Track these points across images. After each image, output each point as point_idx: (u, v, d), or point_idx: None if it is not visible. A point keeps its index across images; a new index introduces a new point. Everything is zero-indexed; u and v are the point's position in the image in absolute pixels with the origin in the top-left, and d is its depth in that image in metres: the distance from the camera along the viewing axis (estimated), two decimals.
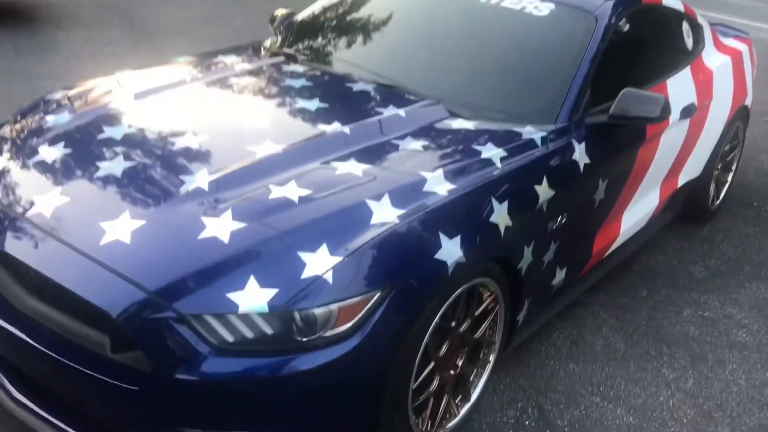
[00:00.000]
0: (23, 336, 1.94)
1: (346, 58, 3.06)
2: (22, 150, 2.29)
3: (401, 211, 2.03)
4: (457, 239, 2.06)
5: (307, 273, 1.82)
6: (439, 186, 2.17)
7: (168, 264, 1.83)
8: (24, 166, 2.21)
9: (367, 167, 2.20)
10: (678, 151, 3.51)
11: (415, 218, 2.03)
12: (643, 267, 3.67)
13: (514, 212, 2.28)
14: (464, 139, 2.47)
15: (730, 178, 4.40)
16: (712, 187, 4.13)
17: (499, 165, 2.36)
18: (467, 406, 2.43)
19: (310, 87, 2.74)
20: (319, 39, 3.32)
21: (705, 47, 3.87)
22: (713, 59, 3.87)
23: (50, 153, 2.23)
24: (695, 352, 3.03)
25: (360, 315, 1.85)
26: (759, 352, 3.07)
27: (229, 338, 1.79)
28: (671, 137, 3.33)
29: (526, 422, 2.54)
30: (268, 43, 3.36)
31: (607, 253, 3.20)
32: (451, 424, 2.36)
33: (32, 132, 2.39)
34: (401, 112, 2.56)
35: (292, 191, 2.04)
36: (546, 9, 3.02)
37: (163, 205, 1.99)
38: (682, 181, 3.74)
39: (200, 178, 2.07)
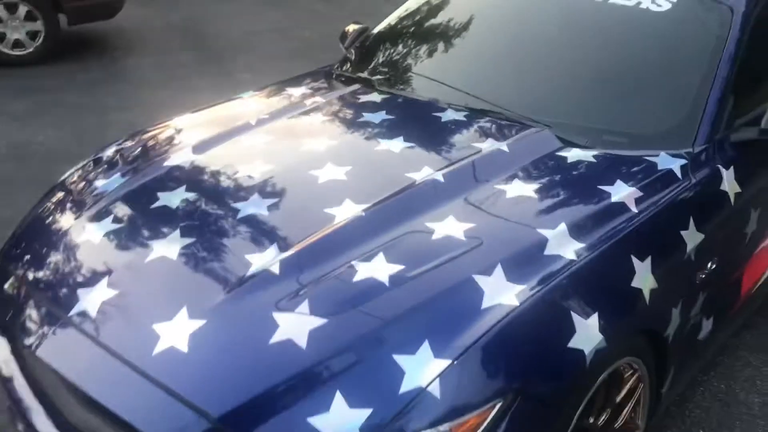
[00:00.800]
0: None
1: (430, 79, 2.63)
2: (68, 227, 1.98)
3: (520, 288, 1.59)
4: (594, 318, 1.60)
5: (406, 385, 1.41)
6: (565, 246, 1.72)
7: (235, 381, 1.46)
8: (68, 248, 1.90)
9: (470, 227, 1.77)
10: None
11: (538, 296, 1.59)
12: None
13: (659, 270, 1.81)
14: (586, 177, 2.01)
15: None
16: None
17: (634, 209, 1.88)
18: None
19: (391, 121, 2.33)
20: (398, 58, 2.90)
21: None
22: None
23: (97, 231, 1.91)
24: None
25: None
26: None
27: None
28: None
29: None
30: (340, 66, 2.98)
31: (756, 287, 2.66)
32: None
33: (79, 203, 2.08)
34: (503, 146, 2.12)
35: (381, 269, 1.63)
36: (667, 3, 2.50)
37: (226, 297, 1.62)
38: None
39: (269, 258, 1.69)
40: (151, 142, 2.37)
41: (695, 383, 2.56)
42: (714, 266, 2.08)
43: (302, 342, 1.48)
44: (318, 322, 1.52)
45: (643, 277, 1.76)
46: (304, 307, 1.55)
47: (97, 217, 1.97)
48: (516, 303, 1.56)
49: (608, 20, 2.56)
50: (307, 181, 2.00)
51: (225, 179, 2.07)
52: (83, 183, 2.20)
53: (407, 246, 1.72)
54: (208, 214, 1.90)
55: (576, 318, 1.58)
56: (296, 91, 2.70)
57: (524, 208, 1.87)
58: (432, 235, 1.75)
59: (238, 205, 1.91)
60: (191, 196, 1.98)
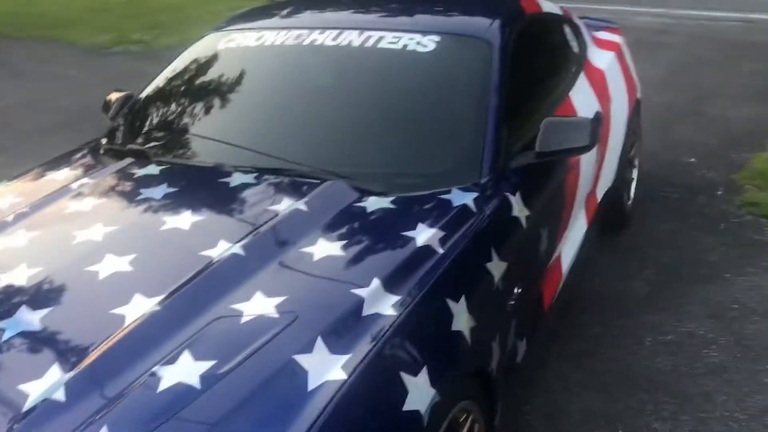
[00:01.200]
0: None
1: (211, 141, 2.47)
2: None
3: (344, 359, 1.48)
4: (424, 374, 1.54)
5: None
6: (382, 303, 1.64)
7: None
8: None
9: (281, 300, 1.64)
10: (594, 167, 3.19)
11: (365, 364, 1.49)
12: (585, 298, 3.32)
13: (474, 307, 1.80)
14: (388, 225, 1.97)
15: (635, 175, 4.18)
16: (624, 190, 3.88)
17: (440, 251, 1.87)
18: None
19: (175, 195, 2.13)
20: (172, 122, 2.71)
21: (588, 48, 3.60)
22: (600, 58, 3.61)
23: None
24: (677, 391, 2.68)
25: None
26: (739, 372, 2.77)
27: None
28: (588, 155, 2.99)
29: None
30: (107, 139, 2.71)
31: (555, 299, 2.80)
32: None
33: None
34: (301, 205, 2.01)
35: (189, 371, 1.44)
36: (431, 43, 2.57)
37: None
38: (600, 194, 3.43)
39: (51, 383, 1.43)
40: None
41: (520, 402, 2.62)
42: (519, 291, 2.13)
43: None
44: None
45: (461, 318, 1.74)
46: None
47: None
48: (344, 376, 1.44)
49: (380, 65, 2.58)
50: (86, 279, 1.74)
51: None
52: None
53: (215, 337, 1.54)
54: None
55: (406, 378, 1.51)
56: (59, 175, 2.40)
57: (334, 268, 1.77)
58: (241, 319, 1.59)
59: (1, 324, 1.60)
60: None
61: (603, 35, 4.00)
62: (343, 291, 1.67)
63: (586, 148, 2.36)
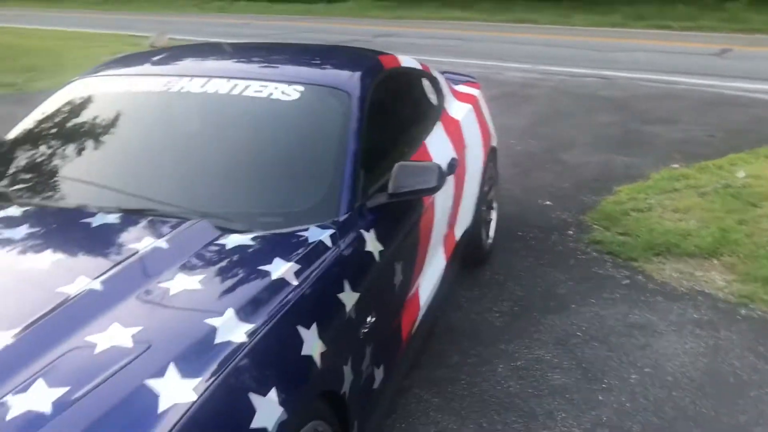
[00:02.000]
0: None
1: (74, 187, 2.53)
2: None
3: (195, 382, 1.59)
4: (272, 394, 1.67)
5: None
6: (234, 332, 1.77)
7: None
8: None
9: (136, 331, 1.73)
10: (451, 207, 3.46)
11: (215, 386, 1.60)
12: (445, 329, 3.56)
13: (325, 334, 1.96)
14: (246, 260, 2.10)
15: (494, 216, 4.52)
16: (483, 229, 4.19)
17: (295, 282, 2.02)
18: None
19: (35, 235, 2.18)
20: (38, 165, 2.73)
21: (446, 99, 3.92)
22: (456, 109, 3.93)
23: None
24: (524, 410, 2.93)
25: None
26: (578, 392, 3.06)
27: None
28: (444, 195, 3.26)
29: None
30: None
31: (414, 330, 3.00)
32: None
33: None
34: (162, 243, 2.12)
35: (42, 397, 1.51)
36: (295, 92, 2.76)
37: None
38: (459, 233, 3.71)
39: None
40: None
41: (382, 429, 2.77)
42: (373, 320, 2.31)
43: None
44: None
45: (312, 344, 1.89)
46: None
47: None
48: (194, 397, 1.55)
49: (246, 111, 2.74)
50: None
51: None
52: None
53: (69, 366, 1.61)
54: None
55: (254, 397, 1.63)
56: None
57: (190, 300, 1.88)
58: (95, 349, 1.67)
59: None
60: None
61: (462, 88, 4.36)
62: (198, 321, 1.78)
63: (434, 189, 2.59)
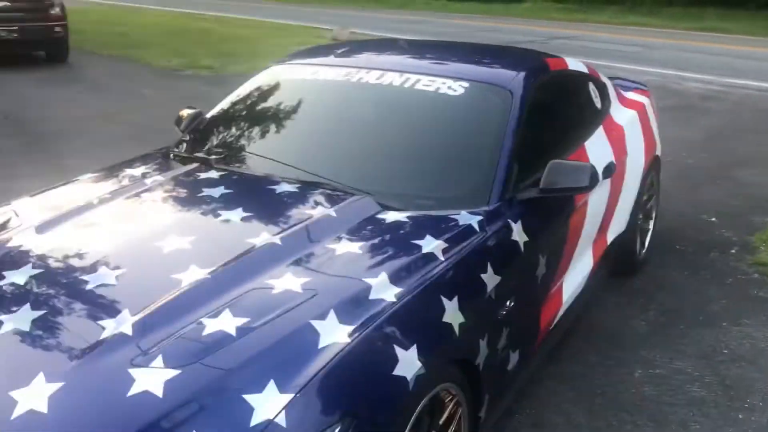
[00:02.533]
0: None
1: (263, 157, 2.91)
2: None
3: (350, 328, 1.87)
4: (413, 349, 1.90)
5: (256, 419, 1.62)
6: (386, 292, 2.02)
7: None
8: None
9: (306, 281, 2.04)
10: (604, 211, 3.52)
11: (366, 334, 1.87)
12: (587, 329, 3.62)
13: (465, 307, 2.16)
14: (401, 234, 2.35)
15: (651, 226, 4.47)
16: (638, 238, 4.18)
17: (441, 258, 2.24)
18: None
19: (230, 195, 2.57)
20: (232, 139, 3.17)
21: (612, 104, 3.96)
22: (621, 115, 3.96)
23: None
24: (656, 416, 2.96)
25: None
26: (717, 407, 3.03)
27: None
28: (597, 198, 3.34)
29: None
30: (177, 148, 3.18)
31: (554, 324, 3.12)
32: None
33: None
34: (332, 212, 2.42)
35: (228, 322, 1.84)
36: (460, 88, 2.98)
37: (83, 360, 1.75)
38: (611, 238, 3.75)
39: (122, 321, 1.85)
40: None
41: (511, 412, 2.93)
42: (512, 304, 2.48)
43: (158, 392, 1.65)
44: (172, 373, 1.69)
45: (452, 314, 2.10)
46: (158, 361, 1.72)
47: None
48: (348, 340, 1.82)
49: (414, 103, 3.00)
50: (154, 250, 2.18)
51: (71, 255, 2.19)
52: None
53: (251, 301, 1.94)
54: (57, 288, 2.02)
55: (398, 350, 1.87)
56: (135, 171, 2.86)
57: (351, 262, 2.17)
58: (273, 291, 1.99)
59: (86, 277, 2.04)
60: (39, 272, 2.08)
61: (630, 95, 4.36)
62: (356, 279, 2.06)
63: (584, 189, 2.70)
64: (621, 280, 4.12)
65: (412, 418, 1.91)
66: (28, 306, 1.93)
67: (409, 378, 1.85)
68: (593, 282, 3.61)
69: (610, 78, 4.67)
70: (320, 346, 1.80)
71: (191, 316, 1.87)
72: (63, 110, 8.07)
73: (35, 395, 1.65)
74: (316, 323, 1.86)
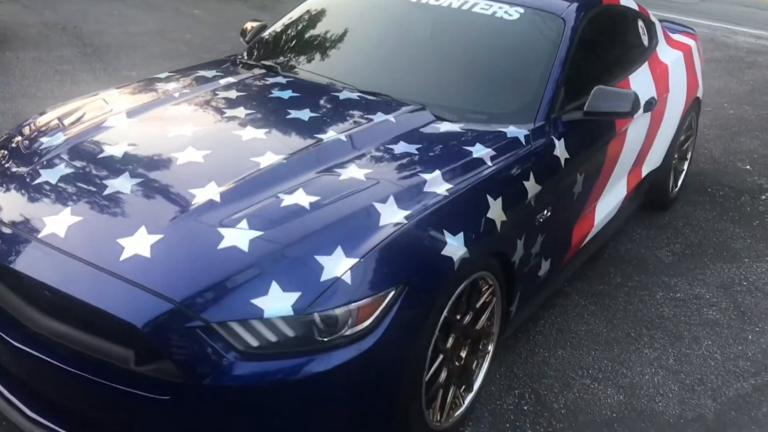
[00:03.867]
0: (42, 356, 1.95)
1: (326, 69, 3.14)
2: (21, 174, 2.29)
3: (407, 212, 2.12)
4: (461, 236, 2.16)
5: (326, 275, 1.89)
6: (439, 186, 2.27)
7: (191, 275, 1.88)
8: (27, 189, 2.22)
9: (368, 171, 2.29)
10: (642, 143, 3.70)
11: (420, 218, 2.12)
12: (614, 255, 3.85)
13: (508, 208, 2.40)
14: (454, 141, 2.58)
15: (686, 167, 4.63)
16: (671, 176, 4.35)
17: (489, 163, 2.47)
18: (471, 395, 2.53)
19: (298, 98, 2.81)
20: (296, 50, 3.39)
21: (659, 43, 4.08)
22: (667, 54, 4.08)
23: (52, 174, 2.24)
24: (672, 332, 3.21)
25: (377, 313, 1.94)
26: (729, 328, 3.26)
27: (254, 343, 1.85)
28: (636, 130, 3.51)
29: (525, 407, 2.66)
30: (245, 56, 3.41)
31: (584, 243, 3.35)
32: (457, 413, 2.46)
33: (28, 155, 2.39)
34: (391, 117, 2.65)
35: (302, 199, 2.11)
36: (516, 13, 3.16)
37: (179, 218, 2.03)
38: (645, 171, 3.93)
39: (210, 191, 2.12)
40: (84, 109, 2.70)
41: (538, 318, 3.20)
42: (549, 214, 2.71)
43: (245, 247, 1.93)
44: (256, 233, 1.97)
45: (496, 211, 2.34)
46: (244, 224, 2.00)
47: (49, 165, 2.30)
48: (404, 222, 2.08)
49: (470, 25, 3.18)
50: (234, 138, 2.45)
51: (161, 137, 2.47)
52: (27, 140, 2.50)
53: (321, 184, 2.21)
54: (151, 160, 2.30)
55: (447, 234, 2.13)
56: (209, 73, 3.11)
57: (409, 160, 2.41)
58: (340, 177, 2.25)
59: (176, 155, 2.31)
60: (134, 149, 2.36)
61: (677, 37, 4.46)
62: (412, 173, 2.31)
63: (626, 114, 2.89)
64: (651, 213, 4.32)
65: (454, 295, 2.18)
66: (127, 174, 2.22)
67: (455, 259, 2.11)
68: (624, 211, 3.83)
69: (660, 20, 4.77)
70: (381, 223, 2.06)
71: (270, 191, 2.14)
72: (119, 25, 8.30)
73: (139, 243, 1.94)
74: (378, 205, 2.12)
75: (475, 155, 2.48)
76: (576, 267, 3.40)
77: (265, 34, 3.58)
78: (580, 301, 3.40)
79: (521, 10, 3.17)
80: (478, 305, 2.41)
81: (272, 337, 1.86)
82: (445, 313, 2.16)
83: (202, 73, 3.13)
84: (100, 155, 2.34)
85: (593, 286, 3.54)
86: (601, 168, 3.20)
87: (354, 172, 2.28)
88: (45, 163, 2.31)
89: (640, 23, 3.93)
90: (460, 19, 3.20)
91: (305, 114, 2.65)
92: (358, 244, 1.98)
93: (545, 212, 2.68)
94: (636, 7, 3.93)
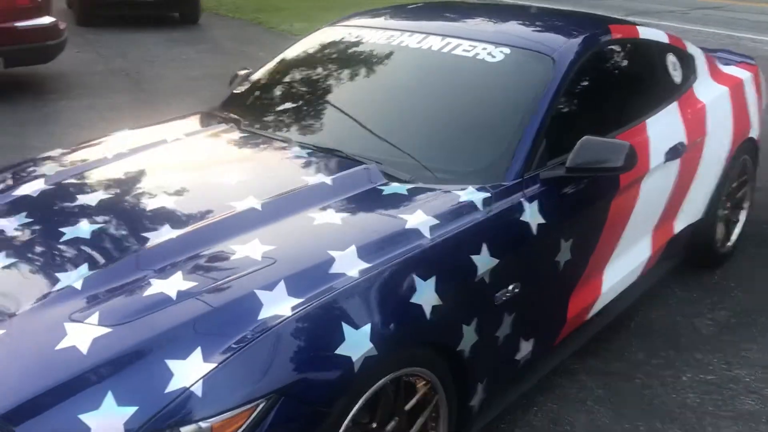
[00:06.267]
0: None
1: (286, 121, 2.87)
2: None
3: (297, 301, 1.79)
4: (366, 329, 1.80)
5: (173, 385, 1.59)
6: (350, 266, 1.92)
7: (18, 382, 1.62)
8: None
9: (269, 249, 1.97)
10: (669, 195, 3.19)
11: (311, 308, 1.78)
12: (641, 324, 3.33)
13: (445, 288, 2.01)
14: (393, 208, 2.23)
15: (742, 217, 4.02)
16: (720, 229, 3.77)
17: (427, 236, 2.10)
18: None
19: (242, 155, 2.55)
20: (262, 102, 3.14)
21: (697, 79, 3.55)
22: (708, 91, 3.55)
23: None
24: (692, 426, 2.67)
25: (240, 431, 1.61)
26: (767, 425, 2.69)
27: None
28: (656, 182, 3.02)
29: None
30: (220, 106, 3.21)
31: (590, 315, 2.88)
32: None
33: None
34: (328, 180, 2.33)
35: (174, 284, 1.82)
36: (500, 54, 2.77)
37: (30, 308, 1.79)
38: (679, 226, 3.40)
39: (76, 276, 1.88)
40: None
41: (531, 403, 2.75)
42: (517, 290, 2.29)
43: (84, 348, 1.65)
44: (103, 331, 1.70)
45: (426, 295, 1.96)
46: (94, 318, 1.73)
47: None
48: (288, 314, 1.75)
49: (448, 69, 2.82)
50: (132, 210, 2.22)
51: (61, 206, 2.27)
52: None
53: (206, 264, 1.92)
54: (37, 238, 2.09)
55: (346, 328, 1.77)
56: (178, 125, 2.92)
57: (325, 233, 2.07)
58: (232, 256, 1.95)
59: (64, 229, 2.09)
60: (28, 221, 2.16)
61: (729, 69, 3.90)
62: (322, 251, 1.97)
63: (619, 169, 2.44)
64: (697, 271, 3.75)
65: (360, 400, 1.82)
66: (3, 254, 2.01)
67: (354, 359, 1.75)
68: (653, 272, 3.31)
69: (714, 50, 4.22)
70: (259, 317, 1.74)
71: (141, 273, 1.89)
72: (181, 69, 8.45)
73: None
74: (261, 293, 1.79)
75: (408, 225, 2.11)
76: (583, 342, 2.93)
77: (244, 82, 3.36)
78: (587, 383, 2.91)
79: (507, 50, 2.78)
80: (407, 407, 2.02)
81: None
82: (346, 423, 1.79)
83: (173, 125, 2.95)
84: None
85: (609, 363, 3.04)
86: (601, 229, 2.74)
87: (252, 249, 1.97)
88: None
89: (671, 58, 3.42)
90: (439, 63, 2.85)
91: (233, 178, 2.38)
92: (221, 344, 1.67)
93: (510, 288, 2.27)
94: (665, 40, 3.44)
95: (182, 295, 1.79)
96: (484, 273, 2.15)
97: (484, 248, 2.17)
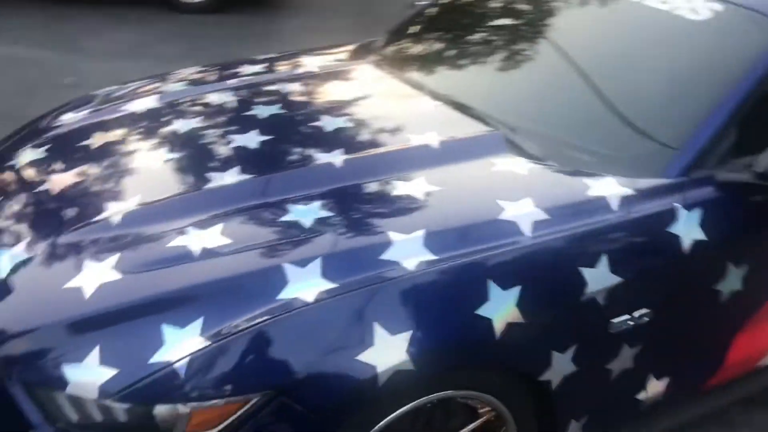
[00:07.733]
0: None
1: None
2: None
3: (331, 286, 1.49)
4: (404, 336, 1.46)
5: (159, 356, 1.39)
6: (408, 255, 1.56)
7: (17, 318, 1.53)
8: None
9: (326, 215, 1.67)
10: None
11: (342, 298, 1.47)
12: None
13: (532, 303, 1.59)
14: (494, 187, 1.80)
15: None
16: None
17: (528, 234, 1.66)
18: None
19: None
20: (416, 42, 2.78)
21: None
22: None
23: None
24: None
25: (223, 426, 1.38)
26: None
27: (73, 417, 1.44)
28: None
29: None
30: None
31: (764, 363, 2.23)
32: None
33: None
34: (434, 142, 1.96)
35: (200, 240, 1.60)
36: (708, 11, 2.13)
37: (64, 236, 1.68)
38: None
39: (121, 206, 1.74)
40: None
41: None
42: (647, 318, 1.78)
43: (88, 292, 1.51)
44: (113, 277, 1.54)
45: (500, 307, 1.55)
46: (112, 260, 1.57)
47: None
48: (318, 298, 1.46)
49: (631, 23, 2.25)
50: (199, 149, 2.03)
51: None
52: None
53: (251, 222, 1.68)
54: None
55: (378, 329, 1.45)
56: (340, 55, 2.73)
57: (397, 209, 1.72)
58: (281, 218, 1.67)
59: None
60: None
61: None
62: (381, 231, 1.63)
63: None
64: None
65: (383, 422, 1.50)
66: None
67: (380, 370, 1.43)
68: None
69: None
70: (279, 296, 1.47)
71: (174, 223, 1.69)
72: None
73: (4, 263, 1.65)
74: (289, 268, 1.52)
75: (505, 216, 1.68)
76: (751, 391, 2.30)
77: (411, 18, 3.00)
78: None
79: (719, 7, 2.13)
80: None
81: (73, 417, 1.44)
82: None
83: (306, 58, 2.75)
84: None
85: None
86: None
87: (307, 213, 1.68)
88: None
89: None
90: (620, 15, 2.28)
91: (335, 123, 2.09)
92: (226, 320, 1.43)
93: (636, 316, 1.76)
94: None
95: (207, 254, 1.56)
96: (595, 292, 1.67)
97: (603, 261, 1.68)
